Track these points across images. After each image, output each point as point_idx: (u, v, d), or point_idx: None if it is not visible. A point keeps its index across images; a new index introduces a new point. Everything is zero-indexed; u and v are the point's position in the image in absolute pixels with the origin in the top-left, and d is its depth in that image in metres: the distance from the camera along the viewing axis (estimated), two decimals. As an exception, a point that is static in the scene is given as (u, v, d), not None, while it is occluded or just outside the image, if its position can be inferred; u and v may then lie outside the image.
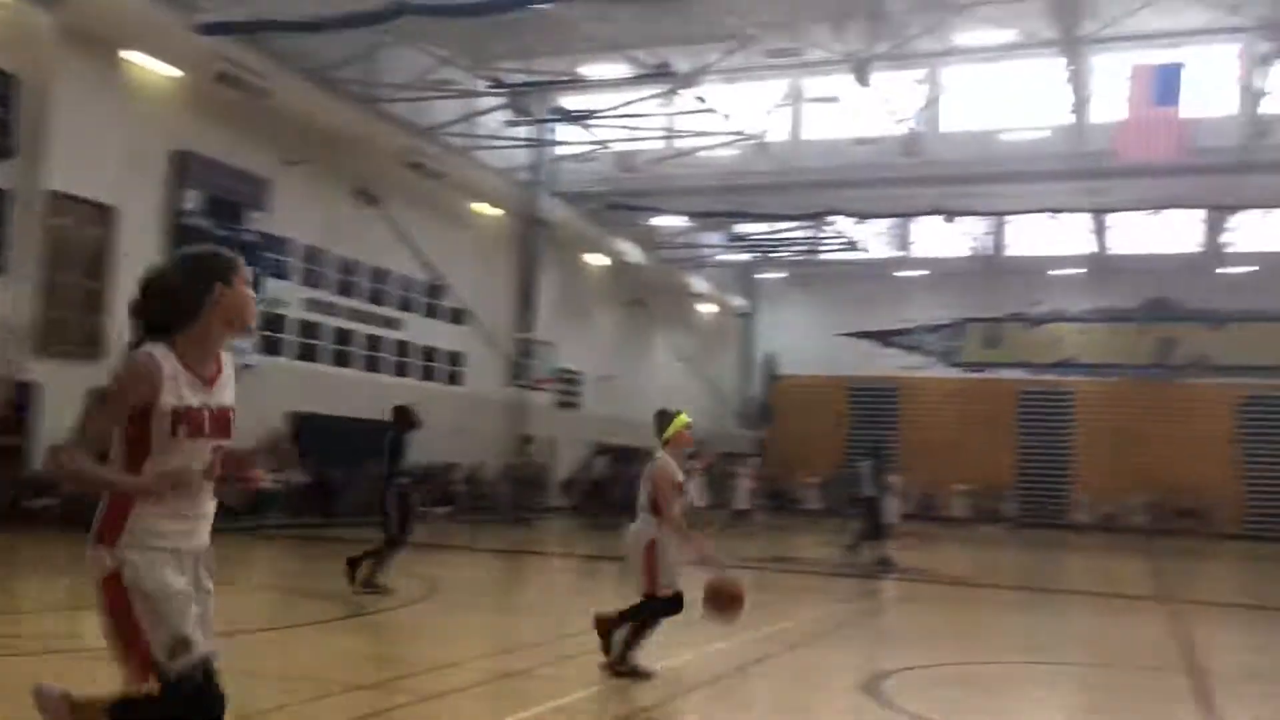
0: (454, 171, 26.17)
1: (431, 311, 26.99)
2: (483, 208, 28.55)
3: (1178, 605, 14.53)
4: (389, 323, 25.61)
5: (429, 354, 26.98)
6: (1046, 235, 37.77)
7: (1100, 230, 36.57)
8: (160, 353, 3.24)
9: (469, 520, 23.85)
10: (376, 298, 25.34)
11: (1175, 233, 37.81)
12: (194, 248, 3.48)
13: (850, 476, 21.58)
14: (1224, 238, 36.92)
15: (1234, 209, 32.96)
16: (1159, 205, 31.34)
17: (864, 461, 18.72)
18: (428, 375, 26.68)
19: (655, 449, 7.61)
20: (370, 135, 23.58)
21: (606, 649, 7.41)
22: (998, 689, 8.36)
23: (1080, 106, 27.98)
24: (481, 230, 28.74)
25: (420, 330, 26.56)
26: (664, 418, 7.65)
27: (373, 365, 25.07)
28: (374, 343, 25.21)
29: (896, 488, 19.22)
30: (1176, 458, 35.88)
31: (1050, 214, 33.36)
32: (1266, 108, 26.84)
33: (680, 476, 7.59)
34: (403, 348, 26.06)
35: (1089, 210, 33.00)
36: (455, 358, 27.84)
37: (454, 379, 27.73)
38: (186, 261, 3.39)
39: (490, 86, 26.24)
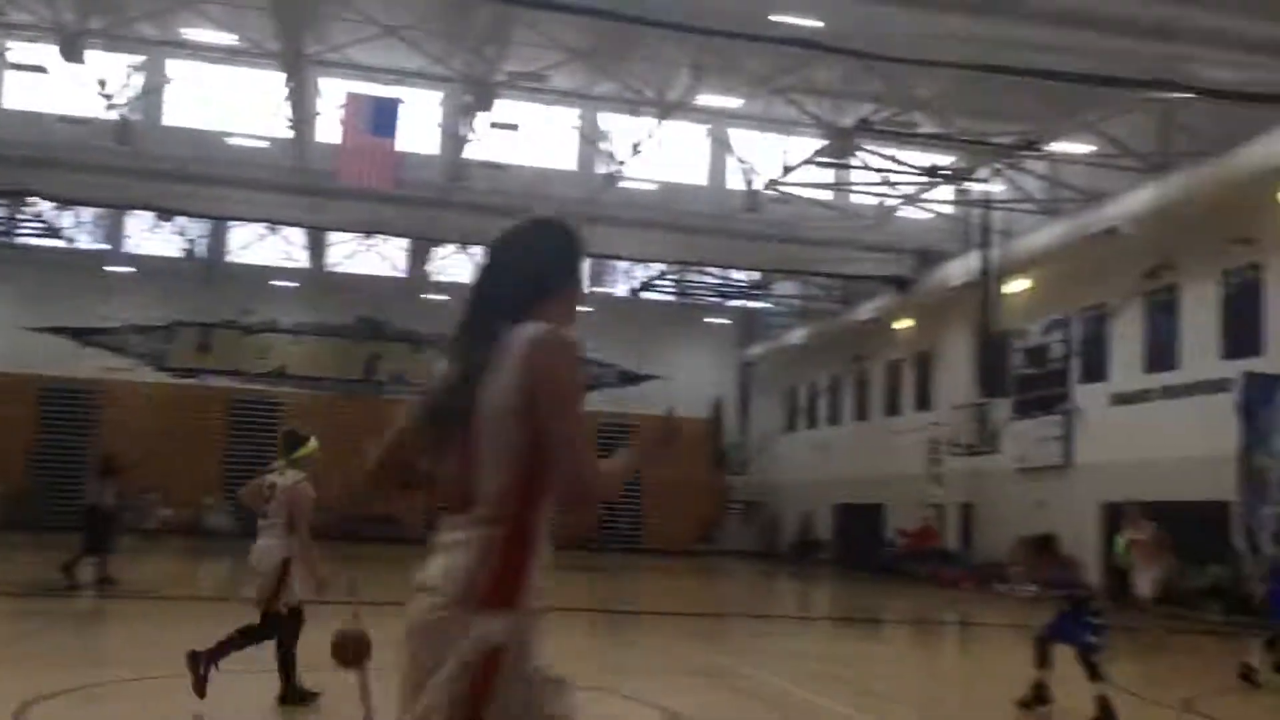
0: None
1: None
2: None
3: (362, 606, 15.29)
4: None
5: None
6: (266, 245, 38.01)
7: (318, 246, 37.74)
8: None
9: None
10: None
11: (387, 257, 40.52)
12: (552, 214, 2.74)
13: (40, 486, 19.60)
14: (428, 267, 40.35)
15: (436, 241, 36.15)
16: (371, 229, 33.26)
17: (93, 470, 17.17)
18: None
19: (280, 468, 7.78)
20: None
21: (200, 684, 7.11)
22: (145, 701, 8.00)
23: (301, 123, 28.63)
24: None
25: None
26: (294, 438, 7.89)
27: None
28: None
29: (122, 498, 17.90)
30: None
31: (269, 225, 33.65)
32: (467, 153, 29.89)
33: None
34: None
35: (306, 226, 33.91)
36: None
37: None
38: (560, 229, 2.71)
39: None
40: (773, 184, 29.49)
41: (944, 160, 28.18)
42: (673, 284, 40.27)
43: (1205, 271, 22.93)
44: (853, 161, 27.21)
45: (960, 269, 27.11)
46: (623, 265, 39.27)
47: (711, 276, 39.20)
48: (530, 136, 31.96)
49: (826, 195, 31.89)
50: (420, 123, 29.82)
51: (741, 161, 31.41)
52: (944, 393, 31.30)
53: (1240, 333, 21.97)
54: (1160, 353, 24.14)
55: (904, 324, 34.42)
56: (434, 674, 2.38)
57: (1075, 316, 27.03)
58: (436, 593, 2.42)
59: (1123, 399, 25.05)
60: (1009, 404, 27.71)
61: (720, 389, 42.58)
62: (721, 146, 32.25)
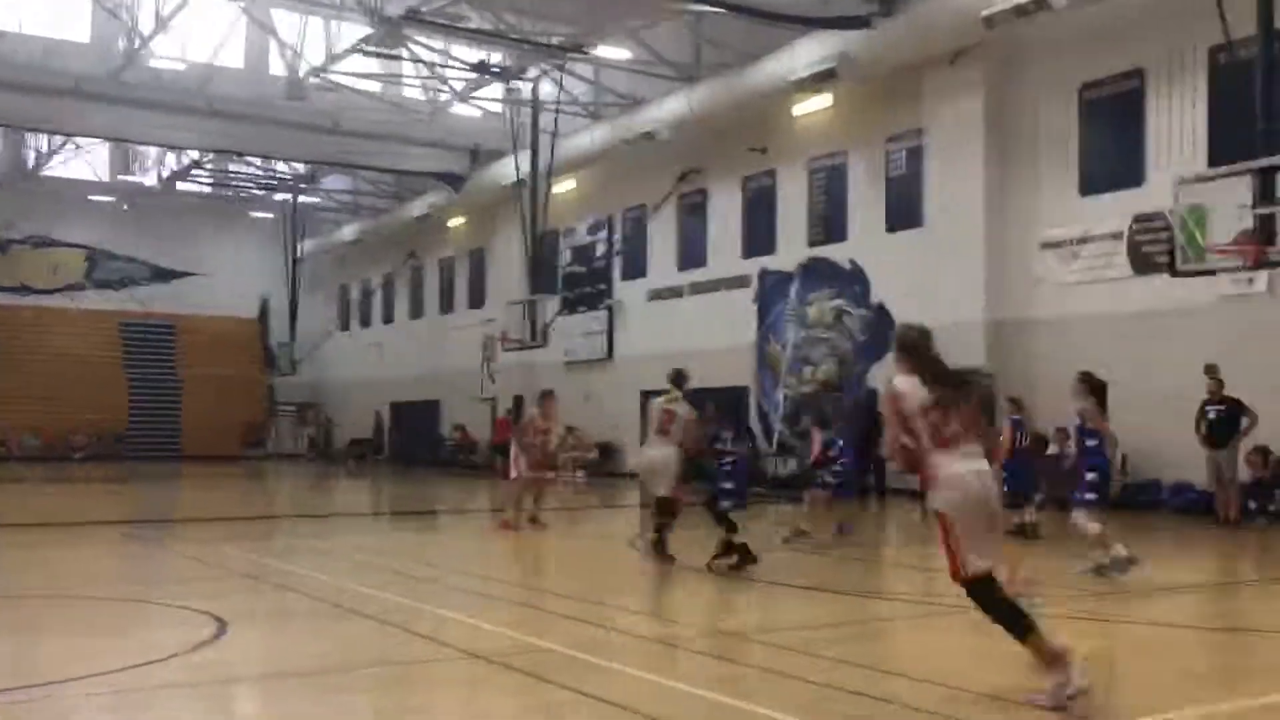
0: None
1: None
2: None
3: None
4: None
5: None
6: None
7: None
8: None
9: None
10: None
11: None
12: None
13: None
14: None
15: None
16: None
17: None
18: None
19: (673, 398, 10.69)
20: None
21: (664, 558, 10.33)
22: None
23: None
24: None
25: None
26: (682, 375, 10.99)
27: None
28: None
29: None
30: None
31: None
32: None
33: None
34: None
35: None
36: None
37: None
38: None
39: None
40: (317, 71, 28.13)
41: (494, 58, 28.25)
42: (209, 174, 37.56)
43: (729, 177, 24.92)
44: (402, 53, 26.53)
45: (510, 168, 27.52)
46: (153, 152, 36.01)
47: (253, 167, 36.99)
48: (35, 1, 28.21)
49: (375, 86, 30.97)
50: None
51: (284, 45, 29.64)
52: (496, 290, 31.90)
53: (758, 234, 24.20)
54: (691, 251, 26.05)
55: (457, 221, 34.52)
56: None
57: (618, 216, 28.46)
58: (988, 473, 5.44)
59: (658, 295, 26.84)
60: (558, 300, 28.78)
61: (267, 287, 40.67)
62: (261, 28, 30.18)
